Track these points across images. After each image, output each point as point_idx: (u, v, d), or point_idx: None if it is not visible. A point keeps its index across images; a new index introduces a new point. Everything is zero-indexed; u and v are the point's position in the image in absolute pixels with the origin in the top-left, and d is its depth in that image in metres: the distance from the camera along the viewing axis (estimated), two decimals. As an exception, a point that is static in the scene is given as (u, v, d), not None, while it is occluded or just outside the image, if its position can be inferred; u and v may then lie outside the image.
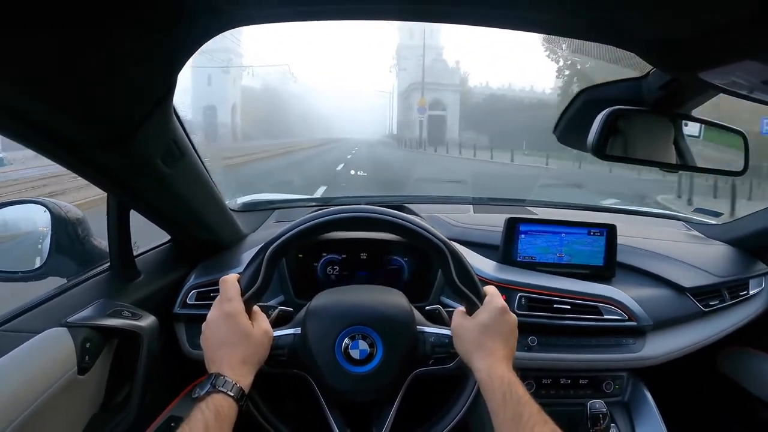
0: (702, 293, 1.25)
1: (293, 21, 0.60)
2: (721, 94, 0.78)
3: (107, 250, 1.00)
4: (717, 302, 1.28)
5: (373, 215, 0.80)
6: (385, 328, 0.84)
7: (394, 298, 0.90)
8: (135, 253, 1.03)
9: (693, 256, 1.34)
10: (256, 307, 0.79)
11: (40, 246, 1.00)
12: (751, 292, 1.36)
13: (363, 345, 0.83)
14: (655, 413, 1.13)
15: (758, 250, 1.44)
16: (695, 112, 0.88)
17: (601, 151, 0.80)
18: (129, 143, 0.70)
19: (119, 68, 0.55)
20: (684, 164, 0.91)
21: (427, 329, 0.88)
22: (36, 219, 1.01)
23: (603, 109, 0.80)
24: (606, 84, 0.89)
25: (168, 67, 0.61)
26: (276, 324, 0.86)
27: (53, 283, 0.96)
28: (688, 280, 1.24)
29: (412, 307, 0.90)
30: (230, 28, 0.59)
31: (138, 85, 0.61)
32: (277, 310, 0.90)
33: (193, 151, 0.89)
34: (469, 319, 0.78)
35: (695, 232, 1.59)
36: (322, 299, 0.89)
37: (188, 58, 0.61)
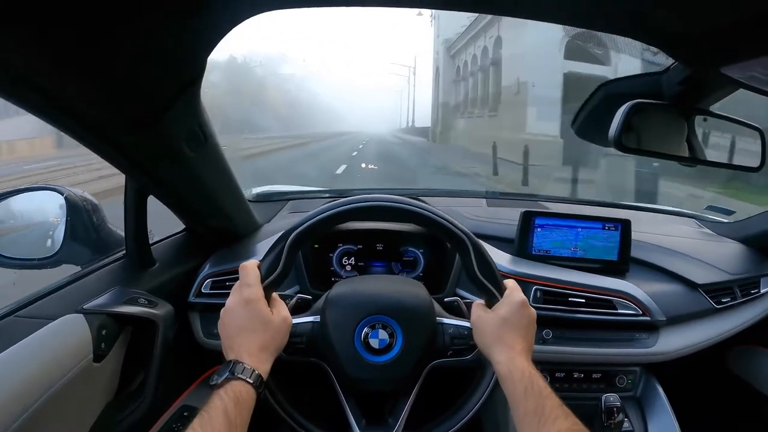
0: (714, 290, 1.25)
1: (330, 6, 0.58)
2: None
3: (122, 237, 1.00)
4: (729, 299, 1.28)
5: (397, 205, 0.79)
6: (405, 319, 0.84)
7: (415, 289, 0.90)
8: (150, 242, 1.03)
9: (705, 253, 1.34)
10: (275, 294, 0.79)
11: (51, 233, 1.00)
12: (762, 291, 1.36)
13: (383, 334, 0.83)
14: (667, 409, 1.13)
15: None
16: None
17: (622, 143, 0.80)
18: (156, 125, 0.70)
19: (149, 52, 0.55)
20: (702, 159, 0.91)
21: (446, 321, 0.88)
22: (51, 206, 1.01)
23: (622, 104, 0.80)
24: (626, 78, 0.89)
25: (198, 50, 0.61)
26: (294, 312, 0.86)
27: (68, 270, 0.96)
28: (700, 276, 1.24)
29: (432, 299, 0.90)
30: (262, 12, 0.58)
31: (168, 69, 0.61)
32: (295, 298, 0.91)
33: (215, 137, 0.89)
34: (489, 312, 0.78)
35: (707, 230, 1.58)
36: (342, 288, 0.89)
37: (218, 42, 0.61)
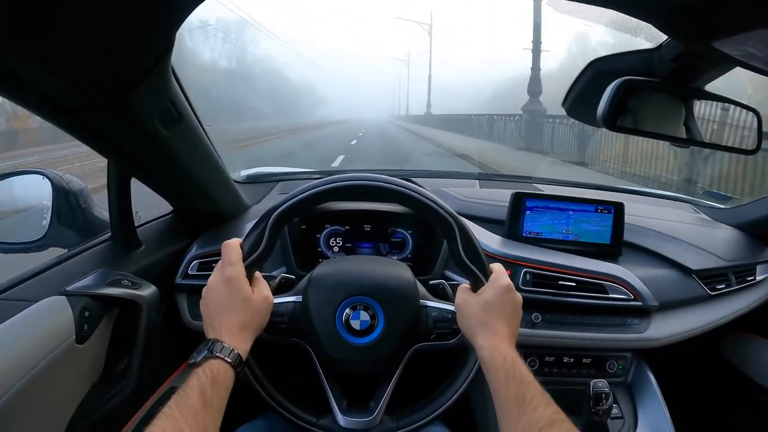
0: (708, 276, 1.24)
1: None
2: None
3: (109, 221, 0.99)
4: (723, 286, 1.26)
5: (381, 184, 0.78)
6: (387, 300, 0.83)
7: (399, 270, 0.89)
8: (137, 224, 1.03)
9: (700, 238, 1.32)
10: (257, 273, 0.78)
11: (37, 217, 0.99)
12: (758, 278, 1.35)
13: (364, 316, 0.82)
14: (657, 395, 1.12)
15: (766, 236, 1.42)
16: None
17: (611, 123, 0.78)
18: (125, 104, 0.68)
19: (114, 25, 0.53)
20: (695, 139, 0.89)
21: (430, 303, 0.87)
22: (37, 189, 1.00)
23: (613, 81, 0.78)
24: (616, 55, 0.86)
25: (166, 24, 0.59)
26: (277, 292, 0.86)
27: (54, 253, 0.95)
28: (695, 262, 1.23)
29: (416, 281, 0.89)
30: None
31: (134, 43, 0.59)
32: (279, 278, 0.90)
33: (194, 116, 0.87)
34: (474, 296, 0.77)
35: (703, 215, 1.57)
36: (325, 268, 0.88)
37: (188, 15, 0.59)
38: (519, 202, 1.20)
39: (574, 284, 1.10)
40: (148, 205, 1.12)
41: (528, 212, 1.20)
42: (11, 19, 0.45)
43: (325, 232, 1.19)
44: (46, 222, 0.98)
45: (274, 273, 1.00)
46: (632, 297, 1.10)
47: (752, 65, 0.72)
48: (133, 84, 0.65)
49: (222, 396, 0.64)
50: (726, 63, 0.77)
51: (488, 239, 1.17)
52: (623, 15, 0.65)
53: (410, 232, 1.19)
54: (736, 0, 0.52)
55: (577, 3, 0.64)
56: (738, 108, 0.92)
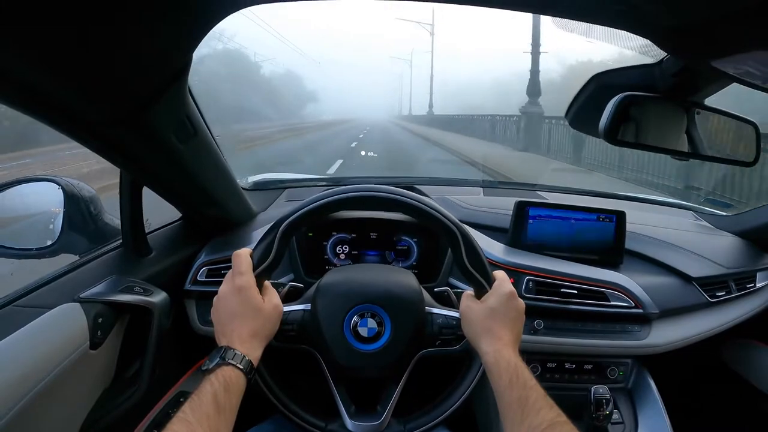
0: (709, 283, 1.25)
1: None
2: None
3: (119, 227, 1.01)
4: (723, 293, 1.27)
5: (387, 195, 0.80)
6: (394, 308, 0.85)
7: (405, 278, 0.91)
8: (147, 231, 1.05)
9: (701, 246, 1.34)
10: (267, 282, 0.80)
11: (49, 223, 1.00)
12: (758, 285, 1.36)
13: (371, 323, 0.84)
14: (657, 401, 1.13)
15: (766, 243, 1.43)
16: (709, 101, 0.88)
17: (612, 136, 0.80)
18: (143, 119, 0.70)
19: (134, 43, 0.55)
20: (695, 152, 0.91)
21: (435, 310, 0.89)
22: (49, 196, 1.02)
23: (615, 95, 0.80)
24: (619, 69, 0.88)
25: (184, 43, 0.61)
26: (286, 300, 0.87)
27: (66, 260, 0.97)
28: (695, 269, 1.24)
29: (422, 288, 0.91)
30: (251, 5, 0.58)
31: (153, 61, 0.61)
32: (287, 286, 0.92)
33: (206, 128, 0.89)
34: (478, 303, 0.79)
35: (704, 223, 1.58)
36: (333, 276, 0.90)
37: (205, 34, 0.61)
38: (522, 211, 1.21)
39: (575, 292, 1.11)
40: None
41: (531, 221, 1.21)
42: (30, 39, 0.47)
43: (331, 239, 1.20)
44: (53, 228, 0.99)
45: (282, 280, 1.02)
46: (633, 304, 1.12)
47: (750, 83, 0.74)
48: (151, 100, 0.67)
49: (234, 402, 0.66)
50: (725, 79, 0.78)
51: (492, 247, 1.19)
52: (626, 33, 0.67)
53: (416, 240, 1.21)
54: (733, 22, 0.54)
55: (581, 23, 0.66)
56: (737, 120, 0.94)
